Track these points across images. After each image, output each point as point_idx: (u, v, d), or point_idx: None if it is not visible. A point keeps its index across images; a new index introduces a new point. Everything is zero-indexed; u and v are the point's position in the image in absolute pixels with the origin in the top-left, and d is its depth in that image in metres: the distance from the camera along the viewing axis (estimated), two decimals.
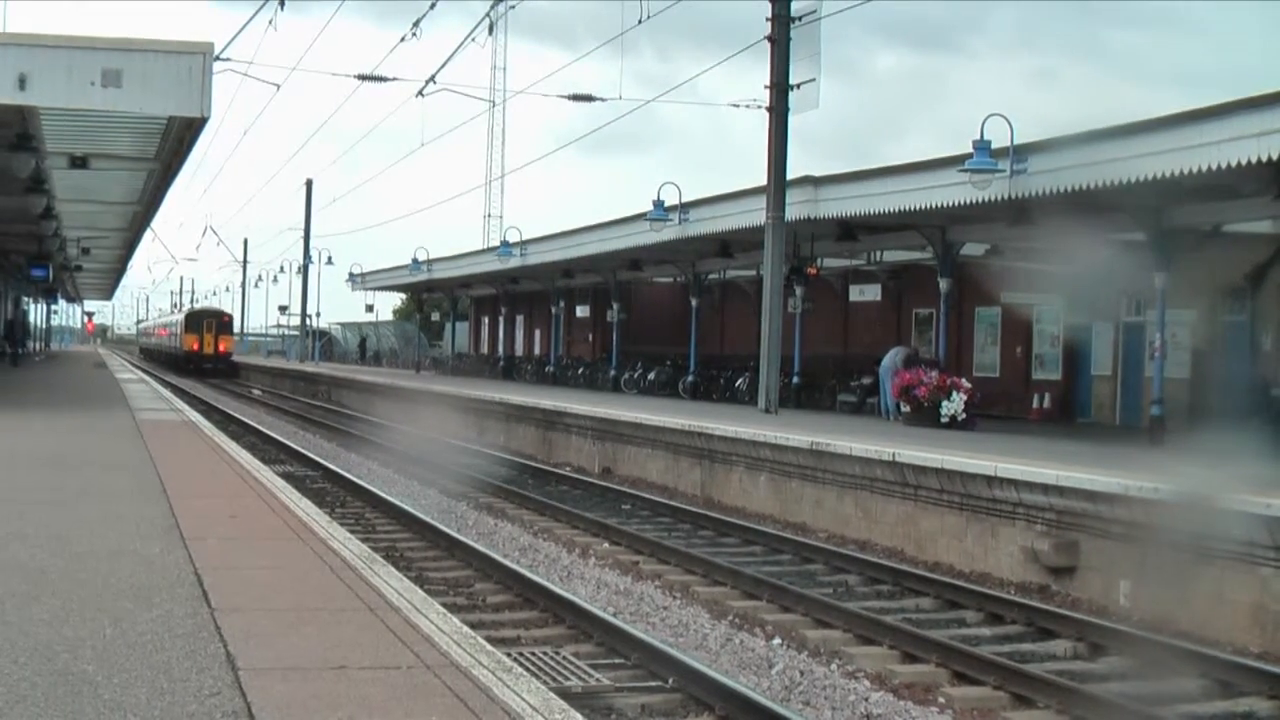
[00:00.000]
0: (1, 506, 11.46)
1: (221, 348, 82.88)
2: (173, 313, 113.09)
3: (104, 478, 14.14)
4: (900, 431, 25.33)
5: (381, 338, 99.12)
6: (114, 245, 53.87)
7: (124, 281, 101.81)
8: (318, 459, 27.29)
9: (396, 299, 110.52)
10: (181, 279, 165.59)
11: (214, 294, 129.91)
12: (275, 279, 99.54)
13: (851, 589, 15.79)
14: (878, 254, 37.12)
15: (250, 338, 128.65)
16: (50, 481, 13.57)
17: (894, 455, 19.07)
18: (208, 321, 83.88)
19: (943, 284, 30.23)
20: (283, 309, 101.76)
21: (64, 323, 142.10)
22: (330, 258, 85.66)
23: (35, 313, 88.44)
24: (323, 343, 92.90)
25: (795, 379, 36.43)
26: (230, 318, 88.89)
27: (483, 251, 58.89)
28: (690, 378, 42.25)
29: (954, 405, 27.45)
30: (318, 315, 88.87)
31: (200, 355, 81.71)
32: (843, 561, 17.14)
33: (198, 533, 10.36)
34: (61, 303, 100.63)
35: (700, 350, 43.55)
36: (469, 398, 37.75)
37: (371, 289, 75.67)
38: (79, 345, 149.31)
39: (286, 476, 20.05)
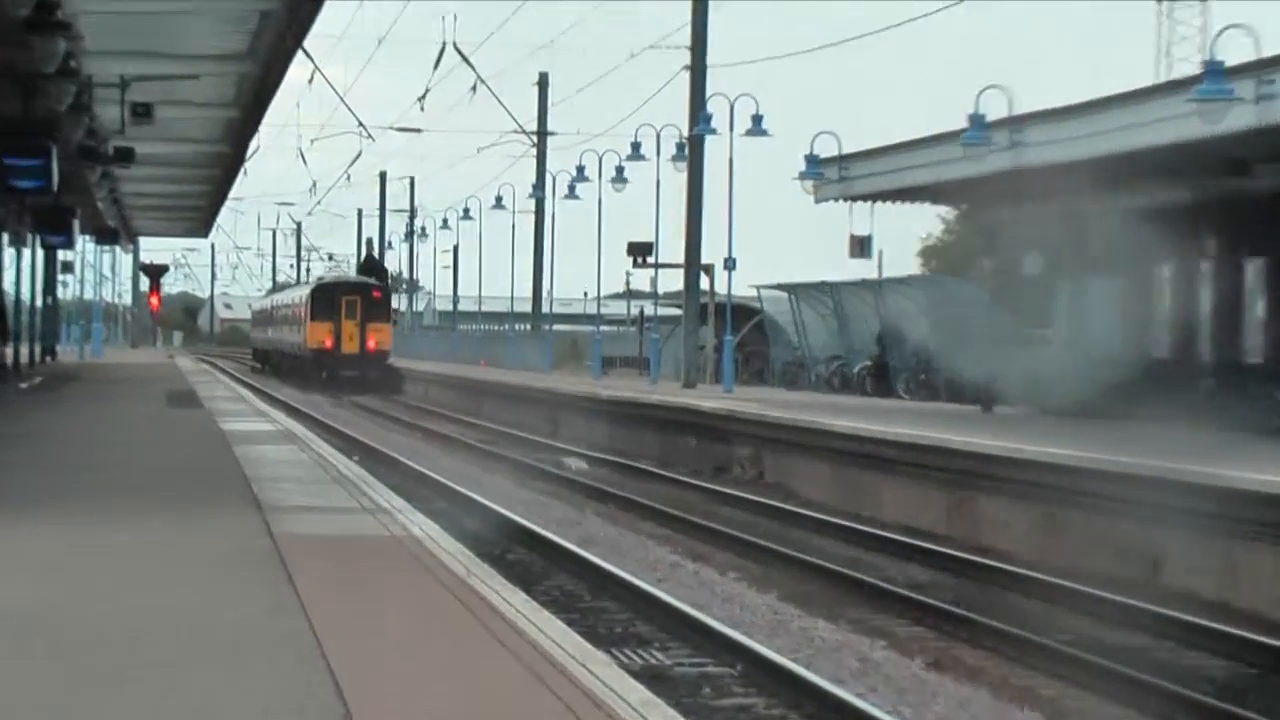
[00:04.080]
0: None
1: (371, 343, 54.35)
2: (300, 284, 71.97)
3: (187, 689, 6.23)
4: None
5: (900, 321, 37.04)
6: (218, 98, 24.92)
7: (240, 190, 57.33)
8: (754, 648, 11.22)
9: (926, 224, 59.35)
10: (382, 178, 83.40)
11: (464, 215, 63.28)
12: (618, 175, 43.60)
13: None
14: None
15: (561, 324, 67.00)
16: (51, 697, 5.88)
17: None
18: (347, 300, 54.93)
19: None
20: (639, 250, 45.38)
21: (91, 294, 77.18)
22: (759, 117, 35.54)
23: (15, 274, 41.09)
24: (739, 338, 42.00)
25: None
26: (383, 292, 58.07)
27: (1161, 89, 23.91)
28: None
29: None
30: (729, 269, 37.28)
31: (335, 356, 53.83)
32: None
33: None
34: (84, 246, 57.93)
35: None
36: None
37: (865, 198, 30.35)
38: (128, 349, 77.85)
39: (656, 680, 9.82)
